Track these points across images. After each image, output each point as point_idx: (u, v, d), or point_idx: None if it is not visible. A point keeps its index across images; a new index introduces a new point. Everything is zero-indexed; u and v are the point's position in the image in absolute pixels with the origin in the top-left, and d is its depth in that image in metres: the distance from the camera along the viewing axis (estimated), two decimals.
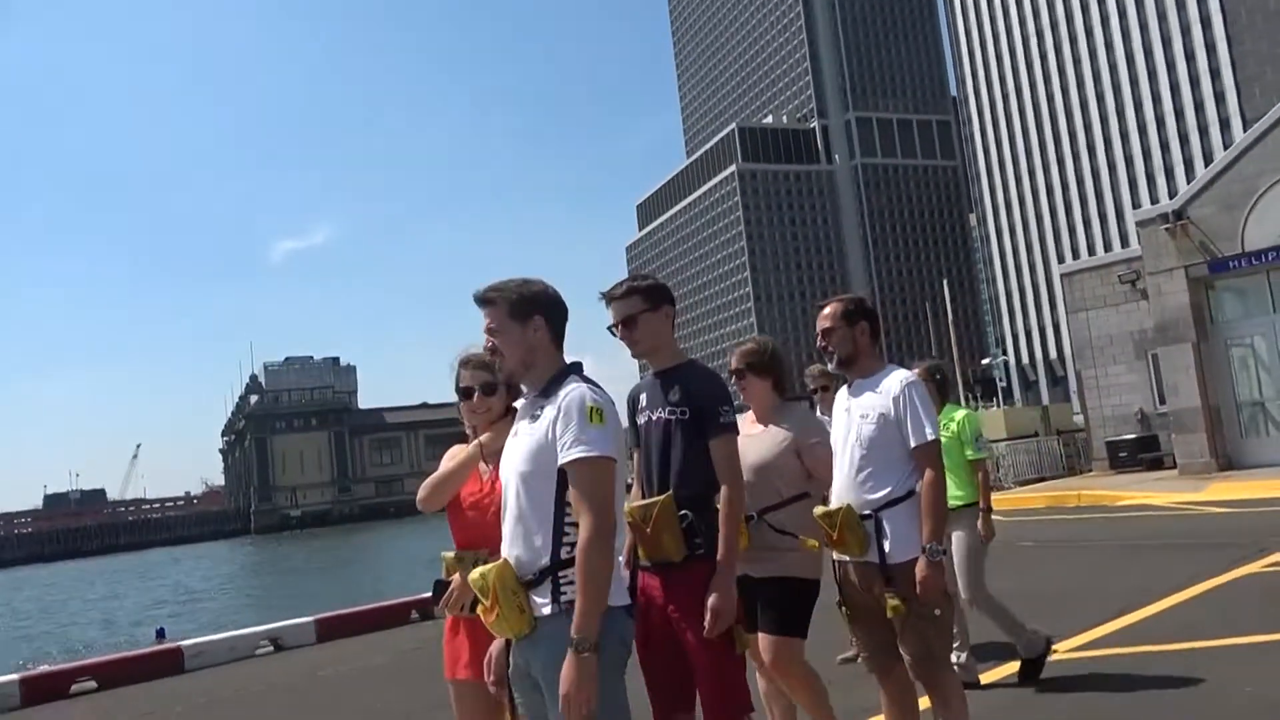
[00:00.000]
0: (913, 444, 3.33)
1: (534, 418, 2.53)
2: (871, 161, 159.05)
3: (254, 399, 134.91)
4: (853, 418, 3.45)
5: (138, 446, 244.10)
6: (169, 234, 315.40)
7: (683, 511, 2.91)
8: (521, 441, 2.54)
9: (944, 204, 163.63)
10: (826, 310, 3.55)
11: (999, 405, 43.41)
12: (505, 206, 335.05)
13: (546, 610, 2.42)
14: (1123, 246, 76.25)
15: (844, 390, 3.61)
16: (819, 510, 3.47)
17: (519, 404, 2.68)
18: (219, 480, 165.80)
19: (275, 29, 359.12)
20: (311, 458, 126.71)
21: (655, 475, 3.03)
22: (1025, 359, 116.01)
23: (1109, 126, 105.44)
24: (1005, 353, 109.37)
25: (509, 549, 2.50)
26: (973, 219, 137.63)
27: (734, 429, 2.99)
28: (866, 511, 3.35)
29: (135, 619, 29.98)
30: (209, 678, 8.53)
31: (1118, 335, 19.35)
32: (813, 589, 3.51)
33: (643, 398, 3.13)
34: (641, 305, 3.04)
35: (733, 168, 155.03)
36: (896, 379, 3.42)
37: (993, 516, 5.24)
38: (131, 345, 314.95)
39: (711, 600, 2.80)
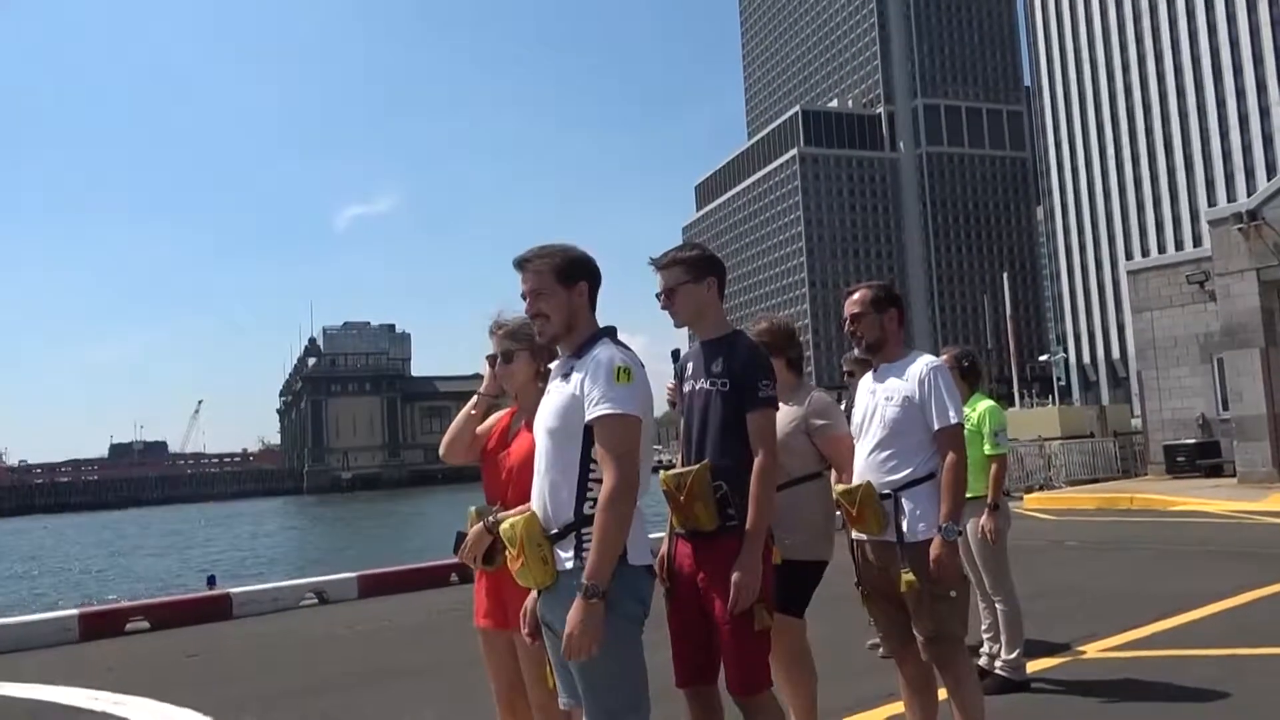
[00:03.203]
0: (936, 426, 3.37)
1: (565, 377, 2.60)
2: (937, 150, 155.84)
3: (312, 361, 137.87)
4: (877, 399, 3.49)
5: (199, 403, 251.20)
6: (237, 195, 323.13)
7: (717, 482, 2.92)
8: (552, 399, 2.61)
9: (1010, 196, 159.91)
10: (855, 296, 3.60)
11: (1055, 404, 42.59)
12: (564, 181, 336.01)
13: (569, 564, 2.49)
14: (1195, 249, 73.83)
15: (869, 374, 3.66)
16: (840, 488, 3.50)
17: (553, 365, 2.74)
18: (276, 439, 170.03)
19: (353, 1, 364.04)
20: (364, 422, 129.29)
21: (694, 444, 3.05)
22: (1086, 359, 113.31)
23: (1188, 124, 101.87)
24: (1066, 351, 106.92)
25: (536, 502, 2.57)
26: (1040, 213, 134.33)
27: (773, 403, 2.99)
28: (886, 491, 3.38)
29: (189, 566, 31.05)
30: (254, 625, 8.82)
31: (1183, 337, 18.82)
32: (816, 570, 3.53)
33: (689, 366, 3.16)
34: (683, 276, 3.06)
35: (794, 151, 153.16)
36: (922, 363, 3.48)
37: (1012, 511, 5.16)
38: (198, 303, 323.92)
39: (734, 575, 2.81)
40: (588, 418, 2.48)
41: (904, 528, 3.34)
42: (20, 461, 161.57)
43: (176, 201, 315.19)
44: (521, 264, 2.65)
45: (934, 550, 3.26)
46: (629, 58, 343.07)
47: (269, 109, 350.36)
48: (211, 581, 11.29)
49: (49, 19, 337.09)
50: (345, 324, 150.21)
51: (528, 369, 3.13)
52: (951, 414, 3.37)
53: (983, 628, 5.20)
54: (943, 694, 3.50)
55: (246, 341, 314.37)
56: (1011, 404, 43.68)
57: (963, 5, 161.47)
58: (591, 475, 2.51)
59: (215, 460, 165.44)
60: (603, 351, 2.55)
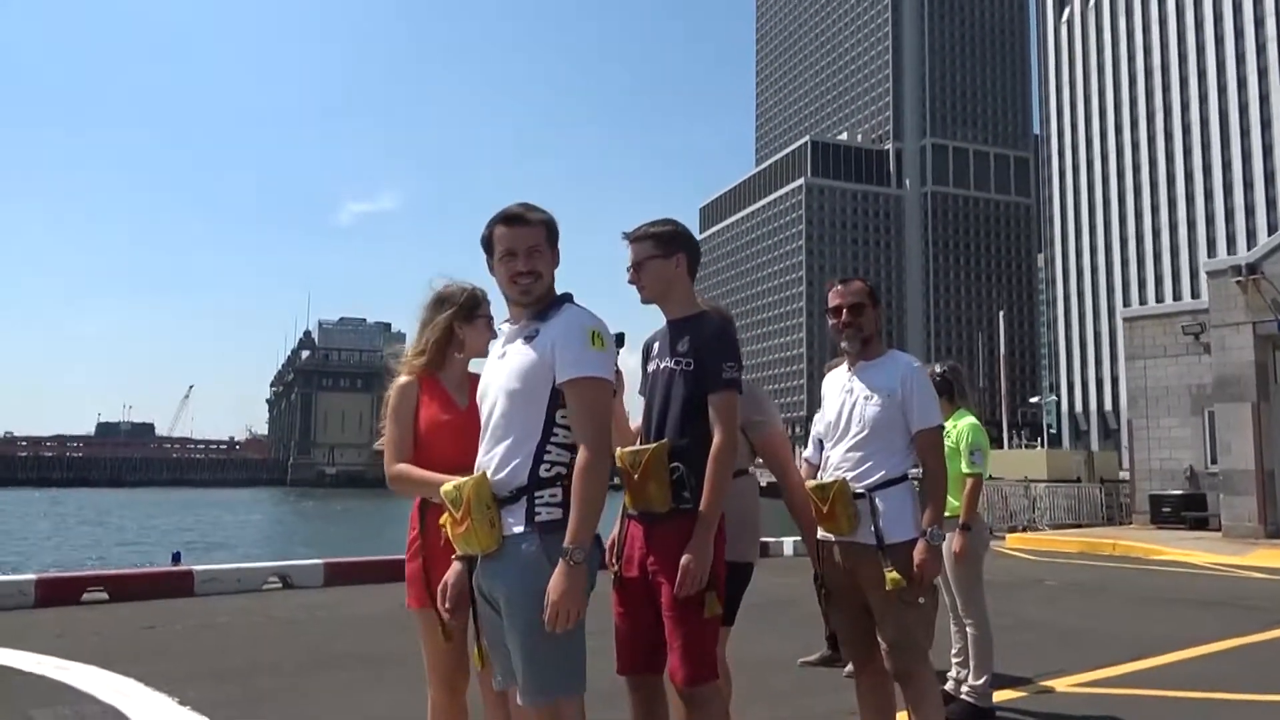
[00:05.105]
0: (918, 428, 3.30)
1: (528, 339, 2.48)
2: (942, 190, 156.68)
3: (305, 354, 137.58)
4: (855, 397, 3.38)
5: (190, 388, 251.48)
6: (243, 182, 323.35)
7: (674, 463, 2.80)
8: (512, 361, 2.48)
9: (1012, 241, 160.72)
10: (853, 286, 3.46)
11: (1044, 447, 42.59)
12: (568, 192, 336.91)
13: (518, 529, 2.37)
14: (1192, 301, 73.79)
15: (841, 369, 3.53)
16: (811, 483, 3.36)
17: (503, 328, 2.62)
18: (264, 429, 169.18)
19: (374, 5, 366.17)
20: (353, 418, 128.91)
21: (654, 424, 2.94)
22: (1079, 408, 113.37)
23: (1193, 183, 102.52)
24: (1059, 399, 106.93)
25: (487, 464, 2.45)
26: (1040, 260, 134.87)
27: (735, 385, 2.88)
28: (859, 490, 3.27)
29: (157, 545, 30.72)
30: (214, 603, 8.66)
31: (1175, 387, 18.75)
32: (743, 574, 3.31)
33: (655, 346, 3.06)
34: (652, 250, 2.96)
35: (801, 180, 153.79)
36: (905, 362, 3.42)
37: (992, 547, 5.04)
38: (197, 286, 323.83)
39: (683, 558, 2.69)
40: (561, 379, 2.39)
41: (882, 528, 3.22)
42: (6, 433, 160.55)
43: (181, 183, 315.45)
44: (520, 219, 2.51)
45: (919, 555, 3.17)
46: (642, 75, 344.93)
47: (282, 98, 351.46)
48: (176, 558, 11.11)
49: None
50: (341, 319, 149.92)
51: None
52: (934, 416, 3.32)
53: (952, 652, 5.07)
54: (902, 717, 3.37)
55: (243, 329, 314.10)
56: (1000, 446, 43.62)
57: (977, 49, 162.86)
58: (552, 439, 2.41)
59: (201, 446, 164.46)
60: (574, 314, 2.48)
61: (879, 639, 3.24)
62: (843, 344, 3.47)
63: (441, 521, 2.47)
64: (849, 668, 5.58)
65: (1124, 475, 25.57)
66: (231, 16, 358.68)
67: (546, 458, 2.40)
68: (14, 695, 5.16)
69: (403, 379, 3.04)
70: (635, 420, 3.21)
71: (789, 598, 8.65)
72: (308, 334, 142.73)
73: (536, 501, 2.37)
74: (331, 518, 55.08)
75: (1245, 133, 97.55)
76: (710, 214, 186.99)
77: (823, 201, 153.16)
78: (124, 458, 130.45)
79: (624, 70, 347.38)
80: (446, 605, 2.55)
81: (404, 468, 2.89)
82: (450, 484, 2.42)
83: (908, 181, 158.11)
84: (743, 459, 3.44)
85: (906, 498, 3.26)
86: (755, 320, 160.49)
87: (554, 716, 2.32)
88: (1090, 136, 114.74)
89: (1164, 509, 18.24)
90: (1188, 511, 17.92)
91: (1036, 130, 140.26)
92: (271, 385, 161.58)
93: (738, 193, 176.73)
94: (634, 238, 3.00)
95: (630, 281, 3.00)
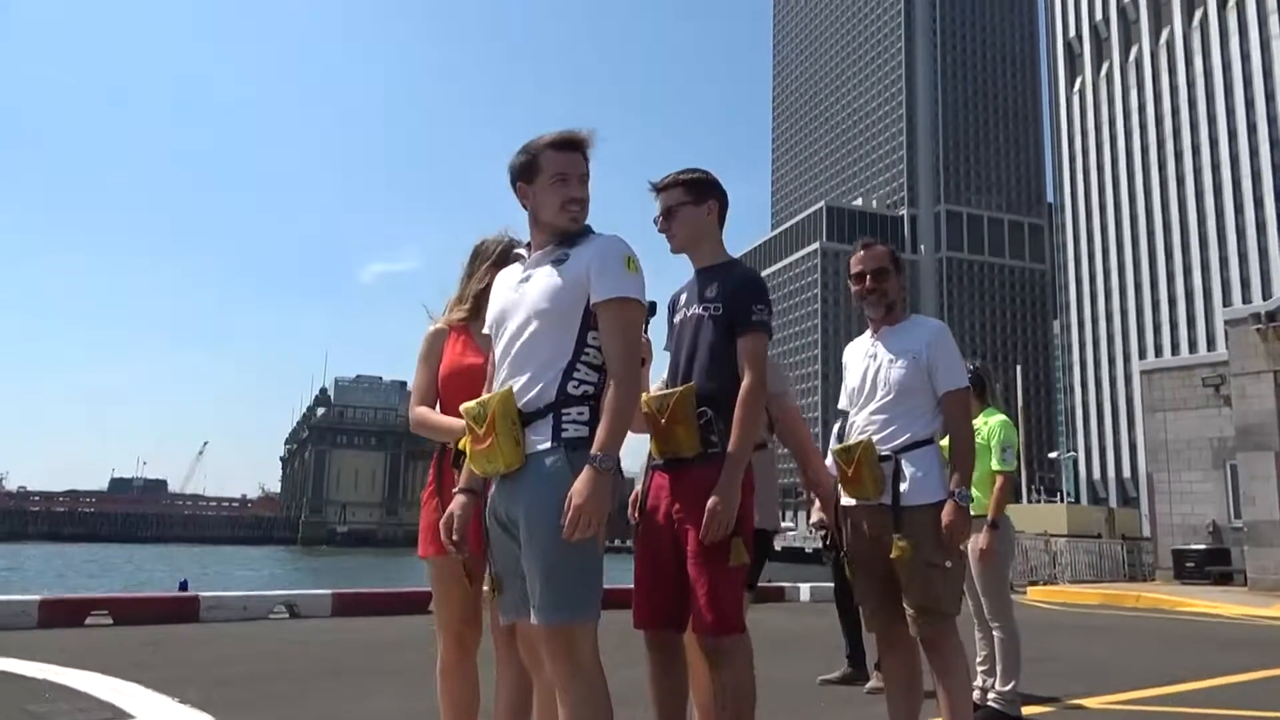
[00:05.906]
0: (944, 389, 3.23)
1: (556, 263, 2.44)
2: (957, 256, 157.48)
3: (320, 411, 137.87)
4: (879, 361, 3.33)
5: (204, 444, 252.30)
6: (265, 238, 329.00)
7: (702, 408, 2.74)
8: (541, 283, 2.43)
9: (1027, 307, 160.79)
10: (877, 252, 3.42)
11: (1064, 503, 42.00)
12: None
13: (543, 446, 2.31)
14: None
15: (865, 336, 3.49)
16: (837, 446, 3.29)
17: (521, 253, 2.61)
18: (277, 487, 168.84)
19: (401, 64, 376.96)
20: (366, 477, 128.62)
21: (680, 370, 2.88)
22: (1096, 474, 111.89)
23: (1208, 251, 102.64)
24: (1076, 464, 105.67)
25: (513, 381, 2.39)
26: (1056, 326, 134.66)
27: (765, 328, 2.82)
28: (886, 453, 3.20)
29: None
30: (218, 629, 8.52)
31: (1195, 440, 18.51)
32: (765, 540, 3.29)
33: (682, 297, 3.02)
34: (683, 197, 2.93)
35: (816, 245, 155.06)
36: (929, 325, 3.37)
37: (1015, 546, 4.91)
38: (215, 344, 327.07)
39: (710, 501, 2.60)
40: (597, 298, 2.35)
41: (902, 490, 3.14)
42: (20, 487, 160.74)
43: (203, 240, 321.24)
44: (574, 143, 2.49)
45: (946, 515, 3.08)
46: (660, 141, 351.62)
47: (305, 154, 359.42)
48: (184, 586, 10.99)
49: (110, 60, 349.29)
50: (358, 376, 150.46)
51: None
52: (960, 378, 3.25)
53: (978, 659, 4.90)
54: None
55: (260, 386, 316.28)
56: (1018, 501, 43.06)
57: (991, 117, 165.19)
58: (582, 358, 2.36)
59: (214, 504, 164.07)
60: (607, 239, 2.45)
61: (905, 606, 3.12)
62: (866, 310, 3.43)
63: (461, 445, 2.41)
64: (870, 684, 5.45)
65: (1146, 535, 25.13)
66: (261, 76, 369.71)
67: (575, 376, 2.35)
68: (12, 695, 5.06)
69: (434, 326, 3.05)
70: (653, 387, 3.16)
71: (806, 634, 8.48)
72: (324, 391, 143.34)
73: (564, 418, 2.31)
74: (340, 573, 54.52)
75: (1259, 202, 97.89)
76: None
77: (838, 266, 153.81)
78: (136, 513, 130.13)
79: (643, 136, 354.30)
80: (453, 536, 2.47)
81: (424, 411, 2.89)
82: (473, 402, 2.36)
83: (922, 247, 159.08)
84: (761, 431, 3.39)
85: (933, 460, 3.18)
86: None
87: (568, 639, 2.22)
88: (1104, 203, 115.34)
89: (1187, 564, 17.86)
90: (1211, 566, 17.54)
91: (1050, 197, 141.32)
92: (286, 443, 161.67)
93: (753, 256, 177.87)
94: (662, 186, 2.97)
95: (660, 230, 2.97)
